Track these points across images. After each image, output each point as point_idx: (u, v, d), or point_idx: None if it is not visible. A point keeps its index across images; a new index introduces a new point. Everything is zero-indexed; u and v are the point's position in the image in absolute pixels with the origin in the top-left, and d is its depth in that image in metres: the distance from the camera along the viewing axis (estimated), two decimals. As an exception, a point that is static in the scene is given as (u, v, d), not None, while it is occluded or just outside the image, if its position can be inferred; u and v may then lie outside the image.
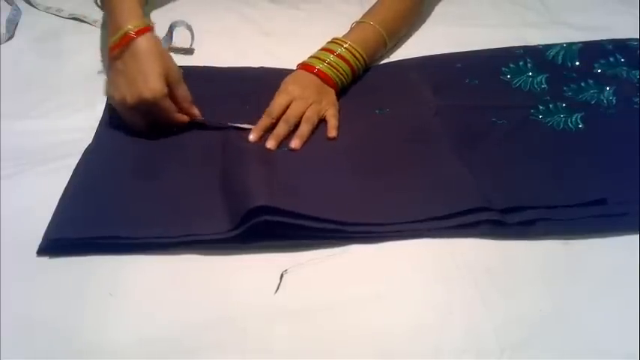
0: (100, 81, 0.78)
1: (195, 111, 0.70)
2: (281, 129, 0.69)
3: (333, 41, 0.78)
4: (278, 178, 0.62)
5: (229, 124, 0.70)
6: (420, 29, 0.91)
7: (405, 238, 0.58)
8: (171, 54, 0.72)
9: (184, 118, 0.69)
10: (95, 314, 0.52)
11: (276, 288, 0.54)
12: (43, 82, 0.79)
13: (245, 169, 0.63)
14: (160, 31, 0.85)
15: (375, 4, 0.85)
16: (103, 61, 0.82)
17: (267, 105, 0.71)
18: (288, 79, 0.73)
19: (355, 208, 0.60)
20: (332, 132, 0.70)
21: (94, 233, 0.56)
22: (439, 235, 0.58)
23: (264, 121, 0.69)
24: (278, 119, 0.70)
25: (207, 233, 0.57)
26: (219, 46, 0.84)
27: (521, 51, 0.84)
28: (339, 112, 0.73)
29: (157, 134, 0.69)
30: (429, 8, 0.94)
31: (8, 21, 0.89)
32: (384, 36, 0.81)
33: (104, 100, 0.72)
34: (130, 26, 0.67)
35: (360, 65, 0.77)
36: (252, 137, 0.68)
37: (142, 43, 0.67)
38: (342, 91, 0.76)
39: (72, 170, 0.64)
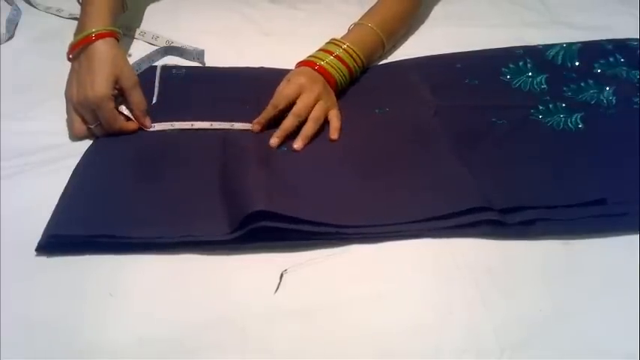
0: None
1: (147, 121, 0.70)
2: (290, 123, 0.68)
3: (332, 42, 0.77)
4: (277, 179, 0.62)
5: (219, 125, 0.70)
6: (419, 29, 0.91)
7: (405, 238, 0.58)
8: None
9: (132, 126, 0.69)
10: (95, 314, 0.52)
11: (276, 288, 0.54)
12: (43, 82, 0.79)
13: (245, 170, 0.63)
14: (161, 31, 0.86)
15: (373, 6, 0.85)
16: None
17: (267, 105, 0.70)
18: (293, 72, 0.72)
19: (355, 208, 0.60)
20: (334, 134, 0.69)
21: (93, 231, 0.56)
22: (439, 235, 0.58)
23: (269, 112, 0.68)
24: (282, 111, 0.69)
25: (207, 235, 0.57)
26: (219, 46, 0.84)
27: (521, 51, 0.84)
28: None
29: (157, 135, 0.69)
30: (429, 8, 0.94)
31: (8, 21, 0.89)
32: (382, 38, 0.80)
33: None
34: (94, 29, 0.68)
35: (357, 67, 0.77)
36: (255, 128, 0.68)
37: (99, 46, 0.68)
38: (339, 92, 0.76)
39: (72, 170, 0.64)
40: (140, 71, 0.78)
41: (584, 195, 0.61)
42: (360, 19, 0.82)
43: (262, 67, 0.80)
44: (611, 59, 0.82)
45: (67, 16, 0.91)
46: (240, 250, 0.57)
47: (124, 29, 0.88)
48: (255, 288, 0.54)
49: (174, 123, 0.70)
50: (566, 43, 0.85)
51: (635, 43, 0.85)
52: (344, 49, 0.76)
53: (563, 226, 0.59)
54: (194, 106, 0.73)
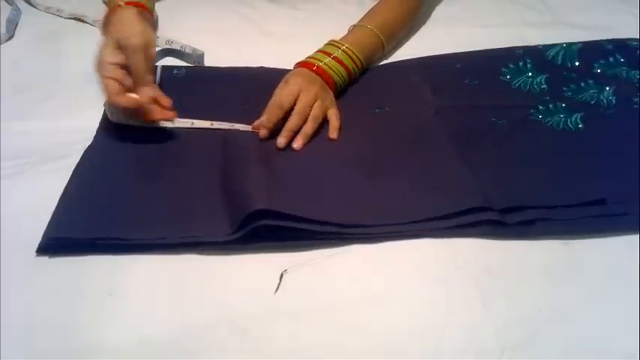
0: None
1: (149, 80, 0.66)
2: (294, 122, 0.67)
3: (331, 43, 0.77)
4: (277, 178, 0.62)
5: (219, 125, 0.70)
6: (420, 29, 0.91)
7: (405, 238, 0.58)
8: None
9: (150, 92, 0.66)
10: (95, 314, 0.52)
11: (276, 288, 0.54)
12: (43, 82, 0.79)
13: (245, 170, 0.63)
14: (161, 31, 0.85)
15: (374, 7, 0.85)
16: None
17: (266, 106, 0.70)
18: (291, 74, 0.72)
19: (355, 208, 0.60)
20: (333, 133, 0.69)
21: (94, 234, 0.56)
22: (439, 235, 0.58)
23: (275, 114, 0.68)
24: (287, 112, 0.68)
25: (208, 235, 0.57)
26: (219, 46, 0.84)
27: (521, 51, 0.84)
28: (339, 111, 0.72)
29: (157, 135, 0.69)
30: (430, 9, 0.94)
31: (8, 21, 0.89)
32: (382, 40, 0.80)
33: (104, 100, 0.72)
34: (121, 2, 0.70)
35: (356, 69, 0.77)
36: (263, 134, 0.67)
37: (125, 11, 0.69)
38: (339, 93, 0.76)
39: (72, 170, 0.64)
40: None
41: (584, 195, 0.61)
42: (360, 21, 0.82)
43: (262, 67, 0.80)
44: (611, 59, 0.82)
45: (67, 16, 0.91)
46: (240, 250, 0.57)
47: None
48: (255, 288, 0.54)
49: (175, 120, 0.70)
50: (566, 43, 0.85)
51: (635, 43, 0.85)
52: (343, 51, 0.76)
53: (563, 226, 0.59)
54: (194, 105, 0.73)
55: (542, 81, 0.79)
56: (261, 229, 0.55)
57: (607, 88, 0.78)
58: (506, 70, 0.81)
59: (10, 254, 0.56)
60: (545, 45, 0.85)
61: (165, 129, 0.70)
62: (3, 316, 0.51)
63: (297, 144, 0.67)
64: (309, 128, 0.68)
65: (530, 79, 0.79)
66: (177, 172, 0.64)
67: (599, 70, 0.81)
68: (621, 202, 0.61)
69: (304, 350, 0.50)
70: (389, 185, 0.63)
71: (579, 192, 0.62)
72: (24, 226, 0.58)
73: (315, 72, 0.72)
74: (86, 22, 0.90)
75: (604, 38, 0.86)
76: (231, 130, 0.70)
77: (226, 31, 0.89)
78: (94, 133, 0.69)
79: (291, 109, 0.69)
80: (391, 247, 0.58)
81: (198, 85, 0.77)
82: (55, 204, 0.59)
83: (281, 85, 0.71)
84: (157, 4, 0.92)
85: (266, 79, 0.75)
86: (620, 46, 0.84)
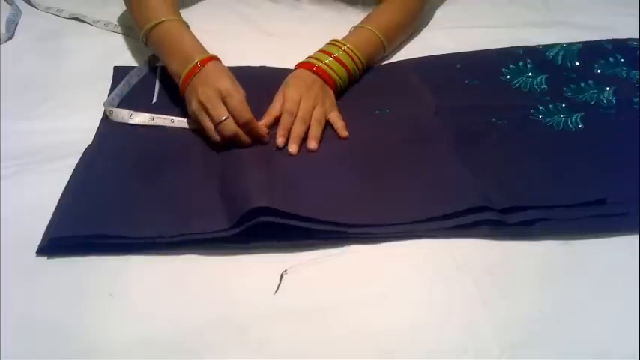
0: (100, 81, 0.78)
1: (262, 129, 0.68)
2: (299, 129, 0.68)
3: (332, 43, 0.77)
4: (277, 178, 0.62)
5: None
6: (420, 30, 0.91)
7: (405, 238, 0.58)
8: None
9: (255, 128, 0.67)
10: (95, 314, 0.52)
11: (276, 288, 0.54)
12: (43, 82, 0.79)
13: (245, 170, 0.63)
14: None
15: (375, 9, 0.84)
16: (103, 62, 0.82)
17: (268, 103, 0.70)
18: (291, 77, 0.73)
19: (356, 208, 0.60)
20: (343, 132, 0.69)
21: (94, 231, 0.56)
22: (439, 235, 0.59)
23: (287, 121, 0.68)
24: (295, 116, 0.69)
25: (207, 232, 0.57)
26: (220, 46, 0.84)
27: (521, 51, 0.84)
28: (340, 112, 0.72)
29: (157, 134, 0.69)
30: (430, 10, 0.94)
31: (8, 21, 0.89)
32: (383, 41, 0.80)
33: (104, 100, 0.72)
34: (196, 59, 0.69)
35: (357, 69, 0.77)
36: (280, 142, 0.67)
37: (210, 66, 0.69)
38: (339, 93, 0.76)
39: (72, 170, 0.64)
40: (142, 74, 0.78)
41: (584, 195, 0.61)
42: (361, 22, 0.82)
43: (263, 67, 0.81)
44: (611, 59, 0.82)
45: (67, 16, 0.92)
46: (240, 250, 0.57)
47: (124, 29, 0.89)
48: (255, 288, 0.54)
49: (174, 119, 0.70)
50: (566, 44, 0.85)
51: (635, 44, 0.85)
52: (344, 51, 0.76)
53: (563, 226, 0.59)
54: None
55: (542, 81, 0.79)
56: (261, 227, 0.56)
57: (607, 89, 0.78)
58: (507, 70, 0.81)
59: (11, 254, 0.56)
60: (545, 45, 0.85)
61: (165, 129, 0.70)
62: (3, 316, 0.51)
63: (312, 145, 0.67)
64: (316, 131, 0.69)
65: (530, 79, 0.79)
66: (177, 171, 0.64)
67: (599, 71, 0.81)
68: (621, 202, 0.61)
69: (304, 350, 0.50)
70: (389, 185, 0.63)
71: (579, 192, 0.62)
72: (24, 225, 0.58)
73: (315, 72, 0.73)
74: (86, 22, 0.91)
75: (604, 38, 0.86)
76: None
77: (227, 31, 0.89)
78: (94, 133, 0.69)
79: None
80: (391, 247, 0.58)
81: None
82: (55, 204, 0.59)
83: (282, 89, 0.71)
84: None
85: (267, 79, 0.75)
86: (620, 46, 0.85)
